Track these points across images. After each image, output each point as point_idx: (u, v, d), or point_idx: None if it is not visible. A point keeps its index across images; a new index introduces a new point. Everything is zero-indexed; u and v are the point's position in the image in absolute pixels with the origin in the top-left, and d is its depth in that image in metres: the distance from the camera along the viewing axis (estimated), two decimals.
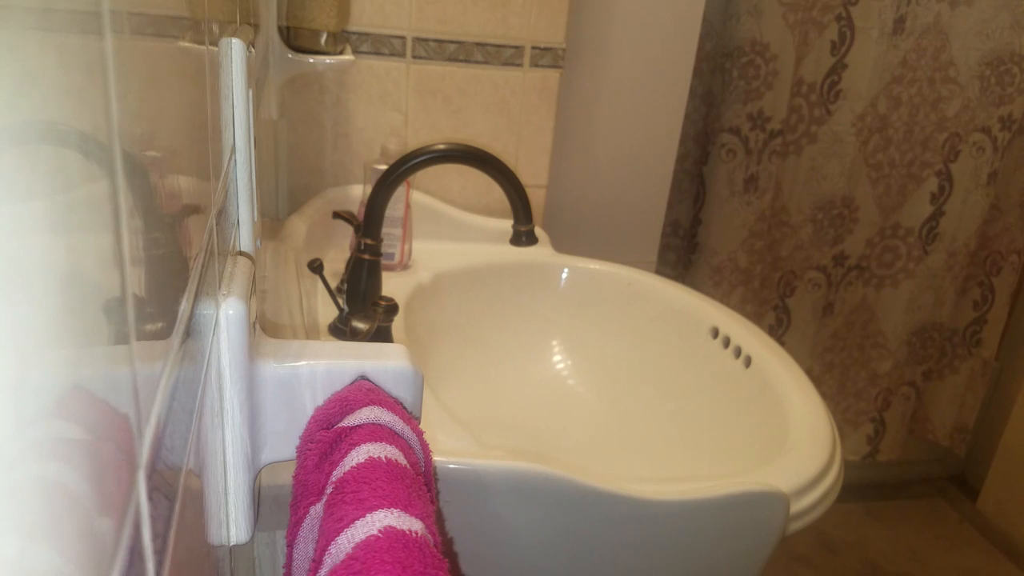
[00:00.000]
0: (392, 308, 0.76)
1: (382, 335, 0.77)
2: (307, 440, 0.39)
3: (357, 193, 0.99)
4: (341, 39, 0.96)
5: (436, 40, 1.02)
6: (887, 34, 1.40)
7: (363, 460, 0.34)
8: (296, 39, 0.90)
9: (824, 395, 1.74)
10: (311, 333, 0.75)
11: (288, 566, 0.38)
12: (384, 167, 0.78)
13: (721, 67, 1.39)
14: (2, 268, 0.14)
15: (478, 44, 1.03)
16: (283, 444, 0.41)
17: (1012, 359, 1.77)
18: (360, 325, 0.78)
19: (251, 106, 0.44)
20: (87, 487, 0.18)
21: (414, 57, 1.02)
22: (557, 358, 0.98)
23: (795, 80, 1.40)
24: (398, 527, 0.30)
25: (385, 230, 0.80)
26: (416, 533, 0.30)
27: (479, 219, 1.07)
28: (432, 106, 1.05)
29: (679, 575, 0.64)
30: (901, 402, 1.72)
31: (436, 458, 0.49)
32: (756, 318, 1.53)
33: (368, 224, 0.78)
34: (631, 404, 0.92)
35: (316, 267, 0.78)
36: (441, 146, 0.76)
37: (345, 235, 0.92)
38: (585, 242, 1.20)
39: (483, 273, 0.97)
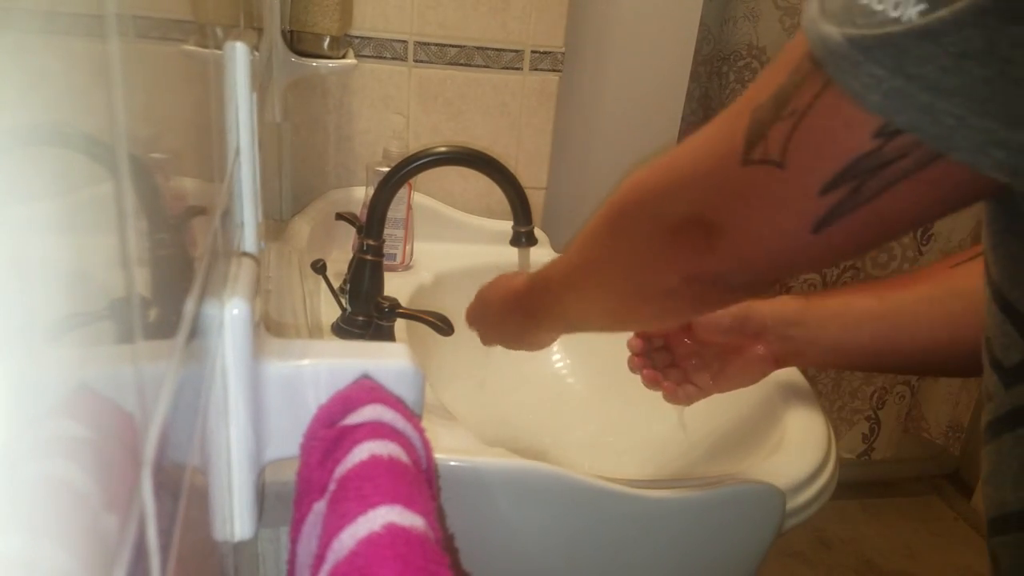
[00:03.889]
0: (394, 308, 0.77)
1: (384, 335, 0.77)
2: (310, 438, 0.39)
3: (359, 195, 0.99)
4: (344, 43, 0.96)
5: (437, 44, 1.02)
6: None
7: (365, 457, 0.34)
8: (299, 43, 0.91)
9: (819, 393, 1.74)
10: (314, 332, 0.75)
11: (291, 562, 0.38)
12: (386, 169, 0.78)
13: (718, 71, 1.39)
14: (10, 268, 0.14)
15: (479, 48, 1.03)
16: (287, 441, 0.41)
17: None
18: (362, 323, 0.78)
19: (255, 109, 0.45)
20: (93, 485, 0.18)
21: (416, 61, 1.03)
22: (556, 357, 0.98)
23: None
24: (400, 523, 0.30)
25: (387, 231, 0.81)
26: (418, 529, 0.30)
27: (480, 220, 1.07)
28: (433, 109, 1.05)
29: (677, 571, 0.64)
30: (896, 401, 1.72)
31: (437, 455, 0.49)
32: None
33: (370, 225, 0.78)
34: (630, 402, 0.92)
35: (319, 267, 0.78)
36: (442, 148, 0.76)
37: (348, 236, 0.92)
38: None
39: (484, 273, 0.97)
